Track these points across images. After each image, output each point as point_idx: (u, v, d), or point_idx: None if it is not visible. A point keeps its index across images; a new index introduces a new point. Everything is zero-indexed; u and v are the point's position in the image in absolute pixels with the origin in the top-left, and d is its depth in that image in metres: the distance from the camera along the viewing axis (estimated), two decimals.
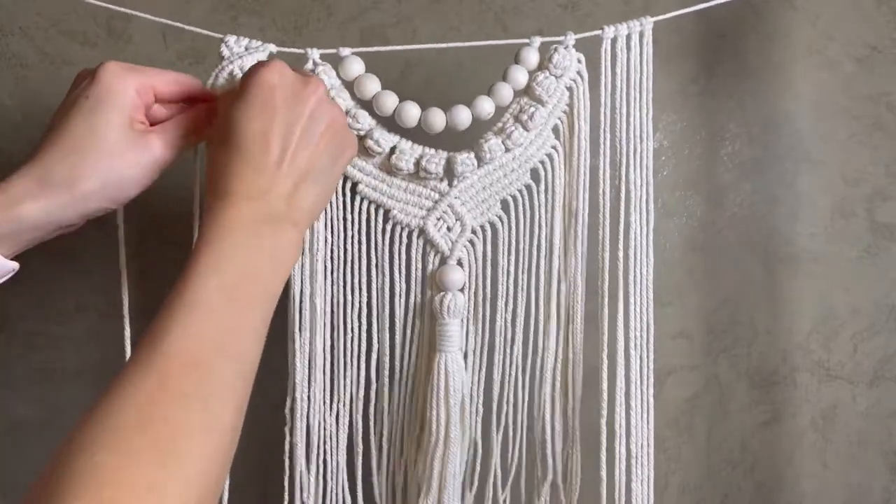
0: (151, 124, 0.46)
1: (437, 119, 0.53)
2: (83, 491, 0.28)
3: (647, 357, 0.55)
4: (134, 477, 0.30)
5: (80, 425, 0.31)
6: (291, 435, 0.55)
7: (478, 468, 0.59)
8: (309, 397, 0.55)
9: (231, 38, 0.51)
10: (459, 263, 0.55)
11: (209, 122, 0.46)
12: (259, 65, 0.43)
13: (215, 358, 0.36)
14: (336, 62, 0.53)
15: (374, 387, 0.57)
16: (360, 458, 0.58)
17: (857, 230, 0.75)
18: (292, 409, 0.55)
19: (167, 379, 0.33)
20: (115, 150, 0.42)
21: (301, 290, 0.55)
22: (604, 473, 0.56)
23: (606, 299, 0.55)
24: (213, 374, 0.35)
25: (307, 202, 0.43)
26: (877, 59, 0.75)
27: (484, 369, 0.57)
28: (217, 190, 0.41)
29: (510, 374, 0.57)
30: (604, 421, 0.55)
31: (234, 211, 0.40)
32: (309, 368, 0.55)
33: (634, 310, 0.55)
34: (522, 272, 0.56)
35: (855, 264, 0.75)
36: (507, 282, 0.56)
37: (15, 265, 0.42)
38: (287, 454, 0.56)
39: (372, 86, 0.53)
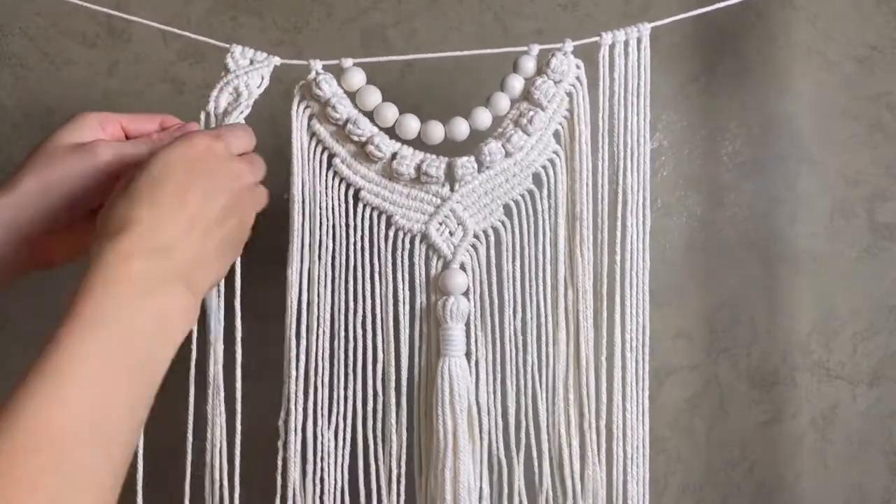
0: None
1: (436, 131, 0.55)
2: None
3: (643, 359, 0.57)
4: None
5: None
6: (285, 449, 0.55)
7: (505, 489, 0.57)
8: (304, 409, 0.55)
9: (237, 50, 0.52)
10: (462, 268, 0.56)
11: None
12: (222, 127, 0.44)
13: (77, 439, 0.31)
14: (338, 72, 0.55)
15: (380, 397, 0.56)
16: (373, 476, 0.56)
17: (857, 230, 0.76)
18: (286, 422, 0.55)
19: (12, 464, 0.29)
20: (59, 155, 0.42)
21: (298, 299, 0.55)
22: (603, 475, 0.57)
23: (605, 302, 0.57)
24: (72, 460, 0.30)
25: (205, 279, 0.40)
26: (877, 59, 0.75)
27: (498, 379, 0.57)
28: (112, 236, 0.36)
29: (526, 386, 0.57)
30: (603, 423, 0.57)
31: (127, 266, 0.35)
32: (305, 379, 0.55)
33: (630, 311, 0.57)
34: (529, 277, 0.57)
35: (855, 264, 0.76)
36: (514, 287, 0.57)
37: None
38: (279, 470, 0.55)
39: (373, 98, 0.55)
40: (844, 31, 0.75)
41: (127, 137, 0.47)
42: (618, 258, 0.56)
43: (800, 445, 0.77)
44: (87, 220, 0.44)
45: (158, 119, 0.48)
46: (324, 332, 0.55)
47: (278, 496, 0.55)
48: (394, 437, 0.56)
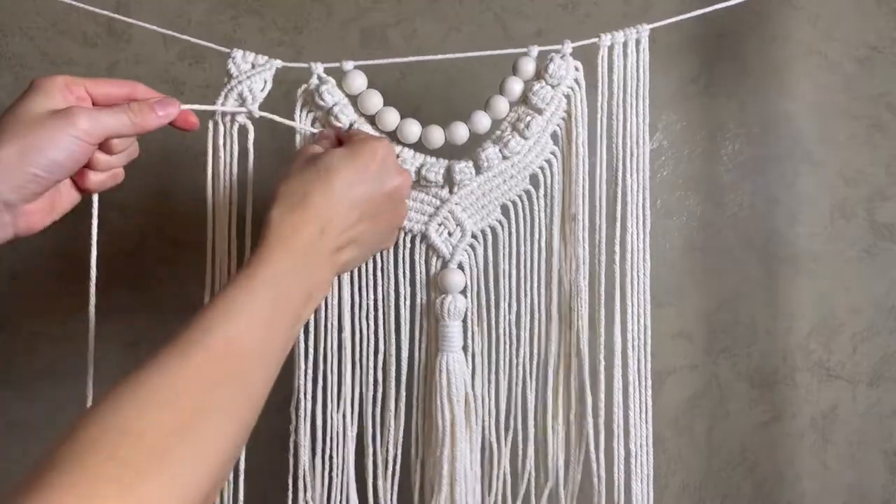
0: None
1: (437, 136, 0.56)
2: (100, 449, 0.30)
3: (645, 358, 0.58)
4: (151, 444, 0.31)
5: (111, 391, 0.33)
6: (296, 433, 0.57)
7: (495, 472, 0.60)
8: (314, 396, 0.57)
9: (238, 54, 0.53)
10: (460, 267, 0.57)
11: (147, 116, 0.46)
12: (373, 137, 0.49)
13: (250, 359, 0.38)
14: (338, 74, 0.55)
15: (380, 387, 0.59)
16: (370, 458, 0.59)
17: (857, 230, 0.76)
18: (297, 408, 0.57)
19: (206, 365, 0.36)
20: (34, 121, 0.43)
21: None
22: (604, 472, 0.58)
23: (604, 301, 0.57)
24: (246, 372, 0.37)
25: (344, 260, 0.47)
26: (877, 59, 0.75)
27: (493, 371, 0.59)
28: (290, 208, 0.44)
29: (517, 378, 0.59)
30: (601, 420, 0.57)
31: (300, 237, 0.43)
32: (315, 368, 0.57)
33: (632, 311, 0.57)
34: (524, 276, 0.58)
35: (855, 264, 0.76)
36: (509, 285, 0.58)
37: None
38: (291, 453, 0.57)
39: (374, 102, 0.55)
40: (844, 31, 0.75)
41: (93, 102, 0.47)
42: (618, 259, 0.57)
43: (800, 445, 0.77)
44: (64, 184, 0.46)
45: (127, 85, 0.48)
46: (332, 325, 0.57)
47: (290, 475, 0.57)
48: (392, 423, 0.59)
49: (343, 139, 0.50)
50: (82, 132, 0.43)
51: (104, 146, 0.46)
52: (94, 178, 0.47)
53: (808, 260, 0.76)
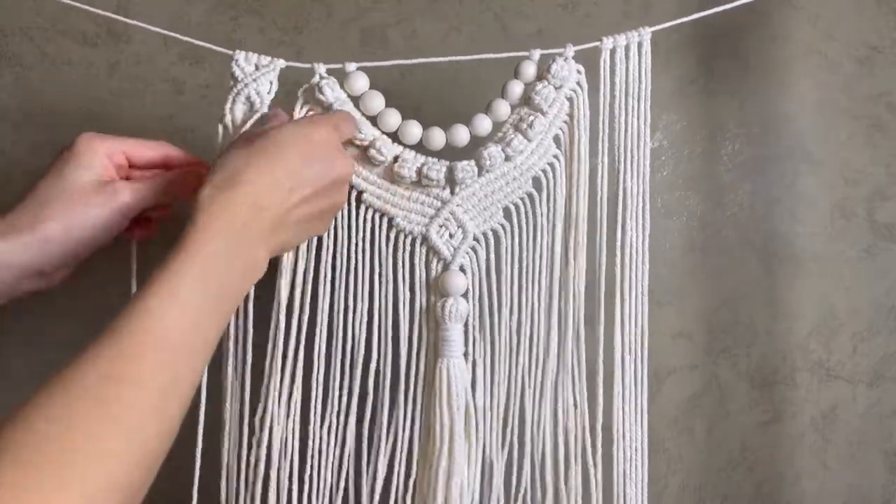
0: None
1: (438, 137, 0.56)
2: (14, 457, 0.30)
3: (642, 361, 0.58)
4: (72, 448, 0.31)
5: (34, 393, 0.33)
6: (258, 447, 0.55)
7: (494, 488, 0.58)
8: (289, 406, 0.56)
9: (241, 56, 0.53)
10: (462, 270, 0.57)
11: (186, 185, 0.49)
12: (337, 116, 0.48)
13: (180, 349, 0.37)
14: (340, 75, 0.55)
15: (369, 397, 0.57)
16: (352, 471, 0.57)
17: (857, 230, 0.76)
18: (262, 419, 0.55)
19: (132, 358, 0.35)
20: (80, 196, 0.45)
21: (290, 296, 0.56)
22: (600, 476, 0.58)
23: (603, 304, 0.57)
24: (175, 364, 0.36)
25: (279, 242, 0.45)
26: (877, 59, 0.75)
27: (495, 380, 0.58)
28: (223, 185, 0.42)
29: (517, 386, 0.58)
30: (599, 425, 0.57)
31: (232, 215, 0.41)
32: (304, 377, 0.56)
33: (630, 313, 0.57)
34: (526, 280, 0.58)
35: (855, 264, 0.76)
36: (511, 289, 0.58)
37: None
38: (263, 468, 0.55)
39: (376, 103, 0.56)
40: (844, 31, 0.76)
41: (130, 165, 0.49)
42: (617, 261, 0.57)
43: (800, 445, 0.77)
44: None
45: (161, 149, 0.50)
46: (321, 331, 0.56)
47: (259, 491, 0.55)
48: (383, 438, 0.57)
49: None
50: (126, 208, 0.45)
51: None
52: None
53: (808, 260, 0.76)
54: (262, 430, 0.55)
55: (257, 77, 0.53)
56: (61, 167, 0.45)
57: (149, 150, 0.50)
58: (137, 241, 0.53)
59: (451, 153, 0.56)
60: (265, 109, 0.53)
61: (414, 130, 0.55)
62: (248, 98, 0.53)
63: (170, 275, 0.38)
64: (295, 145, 0.44)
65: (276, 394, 0.55)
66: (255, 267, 0.43)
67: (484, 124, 0.56)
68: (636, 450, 0.58)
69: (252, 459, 0.55)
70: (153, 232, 0.53)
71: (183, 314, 0.37)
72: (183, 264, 0.38)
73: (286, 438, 0.55)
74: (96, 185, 0.45)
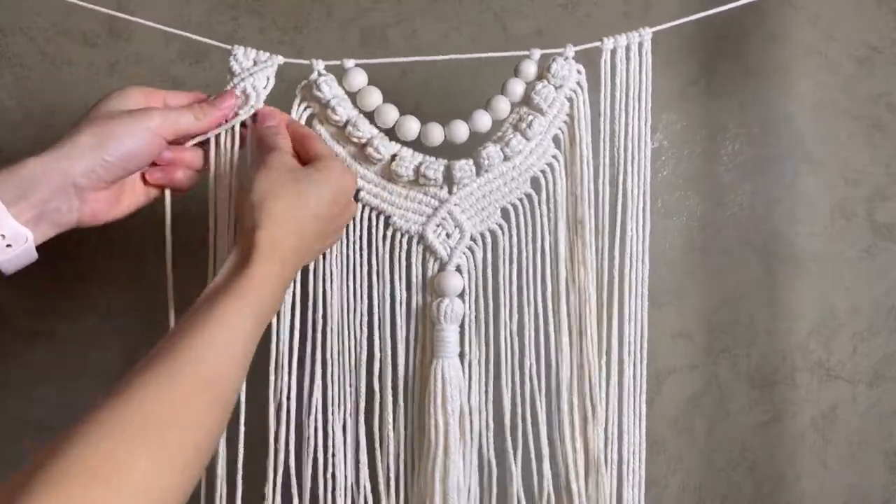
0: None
1: (436, 133, 0.55)
2: (83, 471, 0.31)
3: (641, 363, 0.57)
4: (131, 471, 0.32)
5: (84, 419, 0.33)
6: (276, 441, 0.55)
7: (494, 491, 0.58)
8: (308, 403, 0.56)
9: (239, 51, 0.53)
10: (458, 270, 0.57)
11: (214, 117, 0.51)
12: (347, 168, 0.51)
13: (232, 380, 0.39)
14: (339, 72, 0.55)
15: (375, 394, 0.57)
16: (347, 468, 0.57)
17: (857, 230, 0.76)
18: (277, 413, 0.56)
19: (191, 400, 0.36)
20: (112, 116, 0.47)
21: (301, 294, 0.56)
22: (605, 480, 0.57)
23: (605, 307, 0.57)
24: (227, 395, 0.39)
25: (300, 261, 0.48)
26: (877, 59, 0.75)
27: (492, 381, 0.58)
28: (274, 233, 0.45)
29: (524, 391, 0.57)
30: (606, 427, 0.57)
31: (280, 266, 0.44)
32: (312, 373, 0.56)
33: (629, 316, 0.57)
34: (526, 282, 0.57)
35: (855, 264, 0.76)
36: (510, 291, 0.57)
37: (28, 234, 0.45)
38: (271, 461, 0.55)
39: (374, 98, 0.55)
40: (844, 31, 0.76)
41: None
42: (617, 262, 0.56)
43: (800, 445, 0.77)
44: (133, 181, 0.50)
45: (195, 96, 0.53)
46: (331, 329, 0.56)
47: (269, 484, 0.55)
48: (391, 434, 0.57)
49: (303, 150, 0.51)
50: (156, 125, 0.48)
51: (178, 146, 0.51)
52: (177, 176, 0.52)
53: (808, 260, 0.76)
54: (277, 423, 0.55)
55: (254, 72, 0.53)
56: (98, 102, 0.48)
57: (185, 98, 0.52)
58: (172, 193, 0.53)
59: (449, 152, 0.56)
60: (260, 104, 0.53)
61: (412, 126, 0.55)
62: (243, 91, 0.53)
63: (232, 313, 0.40)
64: (328, 195, 0.48)
65: (285, 387, 0.56)
66: (282, 296, 0.46)
67: (483, 120, 0.55)
68: (634, 453, 0.58)
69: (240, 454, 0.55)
70: (178, 180, 0.53)
71: (238, 350, 0.40)
72: (244, 300, 0.41)
73: (280, 433, 0.56)
74: (131, 110, 0.48)
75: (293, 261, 0.46)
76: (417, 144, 0.56)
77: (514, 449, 0.57)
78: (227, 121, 0.53)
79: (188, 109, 0.50)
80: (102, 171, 0.46)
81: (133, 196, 0.51)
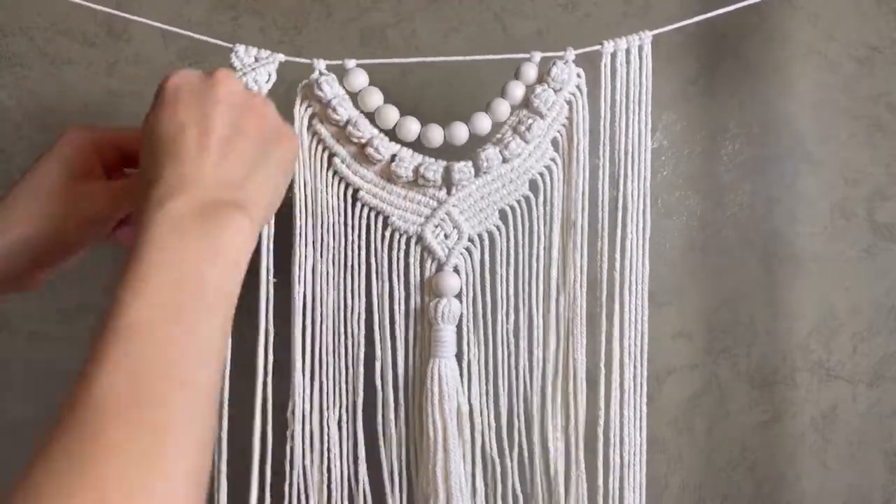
0: None
1: (436, 135, 0.56)
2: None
3: (641, 365, 0.58)
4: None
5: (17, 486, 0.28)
6: (293, 439, 0.56)
7: (499, 487, 0.59)
8: (311, 402, 0.57)
9: (241, 49, 0.53)
10: (456, 270, 0.57)
11: None
12: (164, 76, 0.42)
13: (162, 390, 0.31)
14: (340, 72, 0.56)
15: (377, 393, 0.58)
16: (351, 465, 0.58)
17: (857, 230, 0.76)
18: (293, 413, 0.57)
19: (106, 431, 0.29)
20: (50, 197, 0.42)
21: (304, 295, 0.57)
22: (601, 482, 0.58)
23: (604, 309, 0.58)
24: (163, 410, 0.31)
25: (252, 185, 0.40)
26: (877, 59, 0.75)
27: (491, 381, 0.58)
28: (140, 198, 0.38)
29: (518, 389, 0.58)
30: (601, 430, 0.58)
31: (159, 212, 0.36)
32: (311, 372, 0.57)
33: (629, 318, 0.57)
34: (522, 282, 0.58)
35: (855, 264, 0.76)
36: (506, 291, 0.58)
37: None
38: (287, 459, 0.56)
39: (375, 99, 0.56)
40: (844, 31, 0.76)
41: (126, 158, 0.47)
42: (617, 264, 0.57)
43: (800, 445, 0.77)
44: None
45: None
46: (327, 327, 0.57)
47: (287, 484, 0.56)
48: (392, 433, 0.57)
49: None
50: (99, 214, 0.43)
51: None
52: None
53: (808, 260, 0.76)
54: (294, 423, 0.55)
55: (256, 67, 0.53)
56: (41, 163, 0.43)
57: (136, 141, 0.45)
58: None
59: (448, 153, 0.56)
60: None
61: (412, 127, 0.55)
62: (245, 86, 0.53)
63: (120, 316, 0.33)
64: (165, 117, 0.40)
65: (302, 389, 0.56)
66: (233, 240, 0.37)
67: (483, 123, 0.56)
68: (635, 454, 0.58)
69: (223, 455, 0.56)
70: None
71: (151, 354, 0.32)
72: (131, 295, 0.33)
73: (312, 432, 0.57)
74: (70, 185, 0.42)
75: (192, 213, 0.37)
76: (417, 145, 0.56)
77: (511, 448, 0.58)
78: None
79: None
80: (43, 264, 0.43)
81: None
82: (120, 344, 0.31)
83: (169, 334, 0.33)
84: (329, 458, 0.57)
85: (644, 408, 0.58)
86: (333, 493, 0.57)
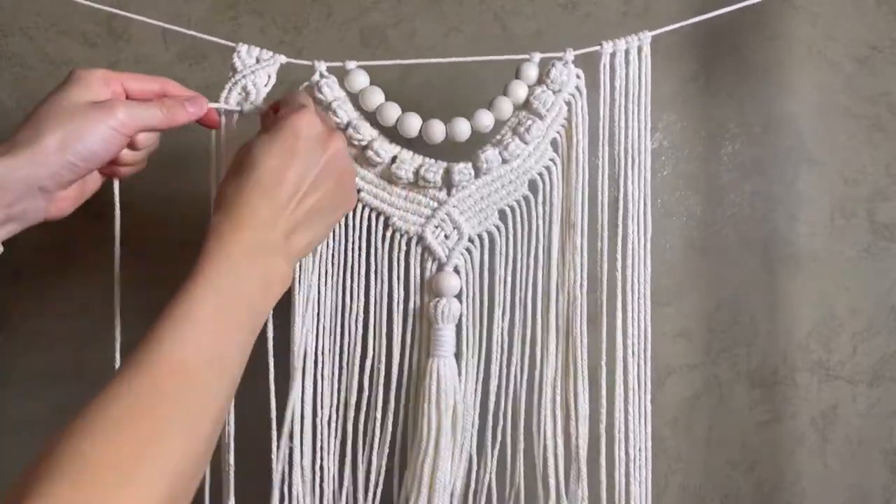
0: None
1: (437, 130, 0.56)
2: (62, 476, 0.31)
3: (645, 363, 0.58)
4: (111, 466, 0.32)
5: (73, 418, 0.34)
6: (290, 438, 0.57)
7: (472, 484, 0.60)
8: (310, 401, 0.57)
9: (243, 48, 0.53)
10: (456, 271, 0.58)
11: (181, 111, 0.50)
12: (294, 111, 0.47)
13: (203, 369, 0.38)
14: (341, 73, 0.56)
15: (370, 392, 0.58)
16: (349, 463, 0.58)
17: (857, 230, 0.76)
18: (293, 412, 0.57)
19: (156, 382, 0.36)
20: (75, 112, 0.45)
21: (305, 295, 0.57)
22: (603, 477, 0.58)
23: (605, 308, 0.58)
24: (199, 384, 0.38)
25: (302, 243, 0.47)
26: (877, 59, 0.75)
27: (482, 379, 0.59)
28: (226, 212, 0.44)
29: (508, 386, 0.59)
30: (603, 427, 0.58)
31: (238, 236, 0.43)
32: (312, 372, 0.57)
33: (632, 316, 0.58)
34: (520, 282, 0.58)
35: (855, 264, 0.76)
36: (504, 291, 0.58)
37: None
38: (286, 458, 0.57)
39: (375, 98, 0.56)
40: (844, 31, 0.76)
41: (127, 96, 0.49)
42: (619, 265, 0.57)
43: (800, 445, 0.78)
44: (94, 173, 0.49)
45: (160, 82, 0.51)
46: (324, 327, 0.57)
47: (282, 481, 0.56)
48: (377, 432, 0.58)
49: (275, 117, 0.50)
50: (119, 123, 0.46)
51: (131, 141, 0.48)
52: (121, 170, 0.51)
53: (808, 260, 0.77)
54: (292, 422, 0.56)
55: (256, 69, 0.53)
56: (59, 91, 0.46)
57: (147, 84, 0.50)
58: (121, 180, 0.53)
59: (448, 152, 0.56)
60: (260, 101, 0.54)
61: (413, 122, 0.56)
62: (244, 88, 0.53)
63: (184, 301, 0.39)
64: (274, 153, 0.46)
65: (301, 388, 0.57)
66: (277, 278, 0.44)
67: (485, 119, 0.56)
68: (640, 450, 0.58)
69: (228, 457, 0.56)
70: (141, 167, 0.53)
71: (199, 337, 0.39)
72: (195, 288, 0.40)
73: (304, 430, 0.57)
74: (92, 103, 0.46)
75: (267, 240, 0.44)
76: (418, 143, 0.56)
77: (493, 445, 0.59)
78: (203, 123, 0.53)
79: (155, 106, 0.48)
80: (68, 172, 0.45)
81: (93, 185, 0.51)
82: (177, 327, 0.38)
83: (216, 333, 0.40)
84: (322, 458, 0.58)
85: (649, 404, 0.58)
86: (325, 491, 0.58)
